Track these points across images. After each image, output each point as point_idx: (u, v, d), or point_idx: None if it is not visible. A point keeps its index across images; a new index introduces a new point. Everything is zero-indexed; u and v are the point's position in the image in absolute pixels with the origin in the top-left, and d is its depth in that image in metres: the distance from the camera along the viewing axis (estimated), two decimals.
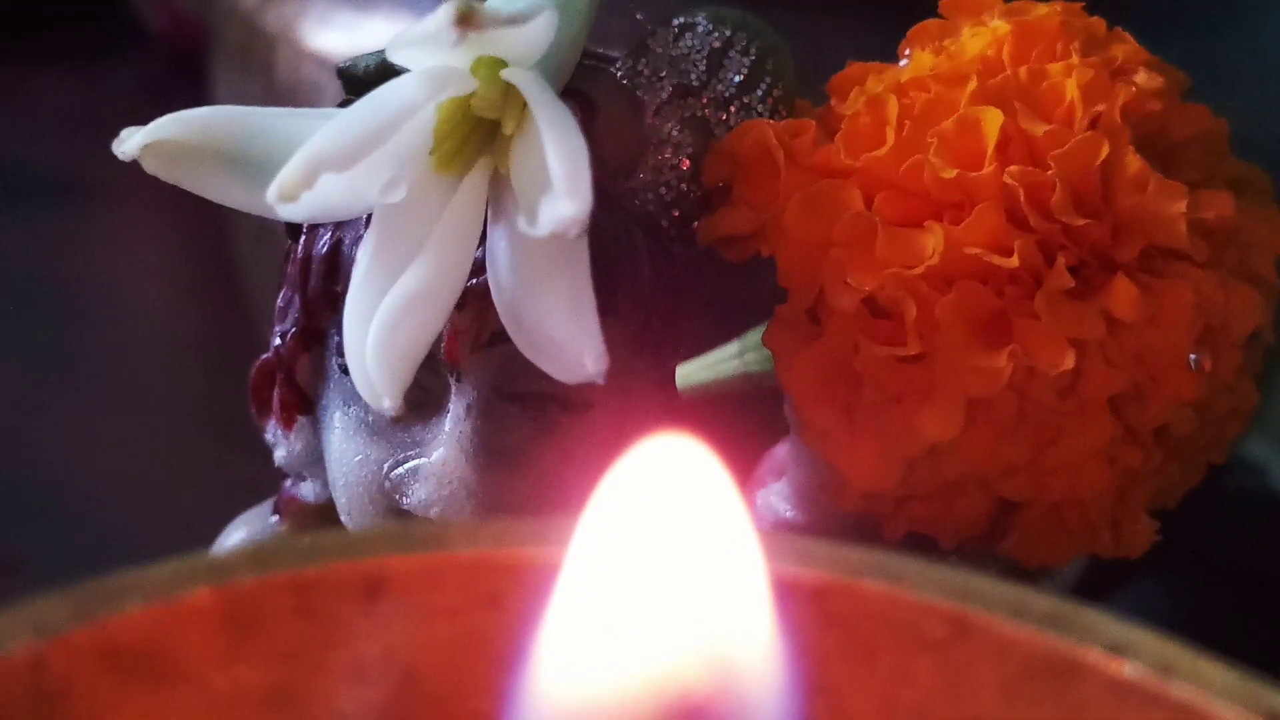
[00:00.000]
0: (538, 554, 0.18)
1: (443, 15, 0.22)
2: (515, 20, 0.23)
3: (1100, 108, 0.27)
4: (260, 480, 0.31)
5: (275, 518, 0.30)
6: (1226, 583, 0.47)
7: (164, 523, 0.50)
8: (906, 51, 0.29)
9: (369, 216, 0.26)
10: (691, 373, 0.33)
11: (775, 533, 0.29)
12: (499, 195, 0.25)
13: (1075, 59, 0.27)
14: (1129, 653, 0.17)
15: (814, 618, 0.18)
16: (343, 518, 0.28)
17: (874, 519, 0.28)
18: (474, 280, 0.25)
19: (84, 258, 0.69)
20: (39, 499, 0.51)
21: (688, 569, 0.17)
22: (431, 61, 0.24)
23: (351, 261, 0.26)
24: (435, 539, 0.18)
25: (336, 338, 0.27)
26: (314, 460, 0.29)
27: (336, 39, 0.40)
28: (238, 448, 0.34)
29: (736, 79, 0.28)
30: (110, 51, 0.87)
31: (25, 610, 0.17)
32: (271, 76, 0.42)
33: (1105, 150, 0.26)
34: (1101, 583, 0.40)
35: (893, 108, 0.27)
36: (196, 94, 0.51)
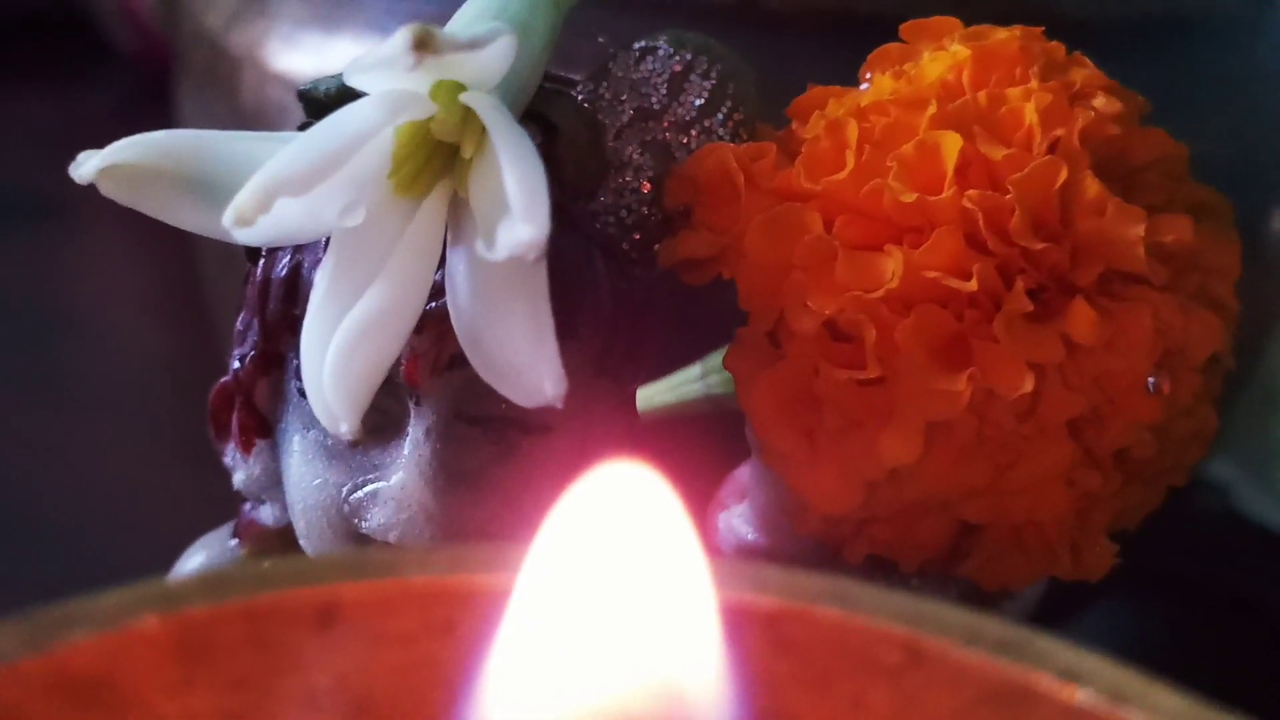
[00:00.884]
0: (491, 581, 0.18)
1: (400, 39, 0.22)
2: (473, 45, 0.23)
3: (1059, 132, 0.27)
4: (226, 501, 0.31)
5: (234, 541, 0.30)
6: (1192, 603, 0.47)
7: (129, 542, 0.49)
8: (867, 75, 0.29)
9: (328, 240, 0.26)
10: (654, 395, 0.33)
11: (731, 558, 0.29)
12: (458, 219, 0.25)
13: (1034, 83, 0.27)
14: (1081, 679, 0.17)
15: (768, 644, 0.18)
16: (301, 542, 0.28)
17: (835, 541, 0.28)
18: (433, 304, 0.25)
19: (52, 277, 0.68)
20: (6, 519, 0.51)
21: (638, 596, 0.16)
22: (390, 85, 0.24)
23: (311, 285, 0.26)
24: (388, 566, 0.18)
25: (296, 361, 0.27)
26: (273, 484, 0.29)
27: (302, 61, 0.40)
28: (203, 468, 0.34)
29: (697, 103, 0.28)
30: (81, 72, 0.86)
31: None
32: (237, 98, 0.41)
33: (1064, 174, 0.26)
34: (1065, 604, 0.40)
35: (853, 131, 0.27)
36: (168, 115, 0.51)
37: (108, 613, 0.17)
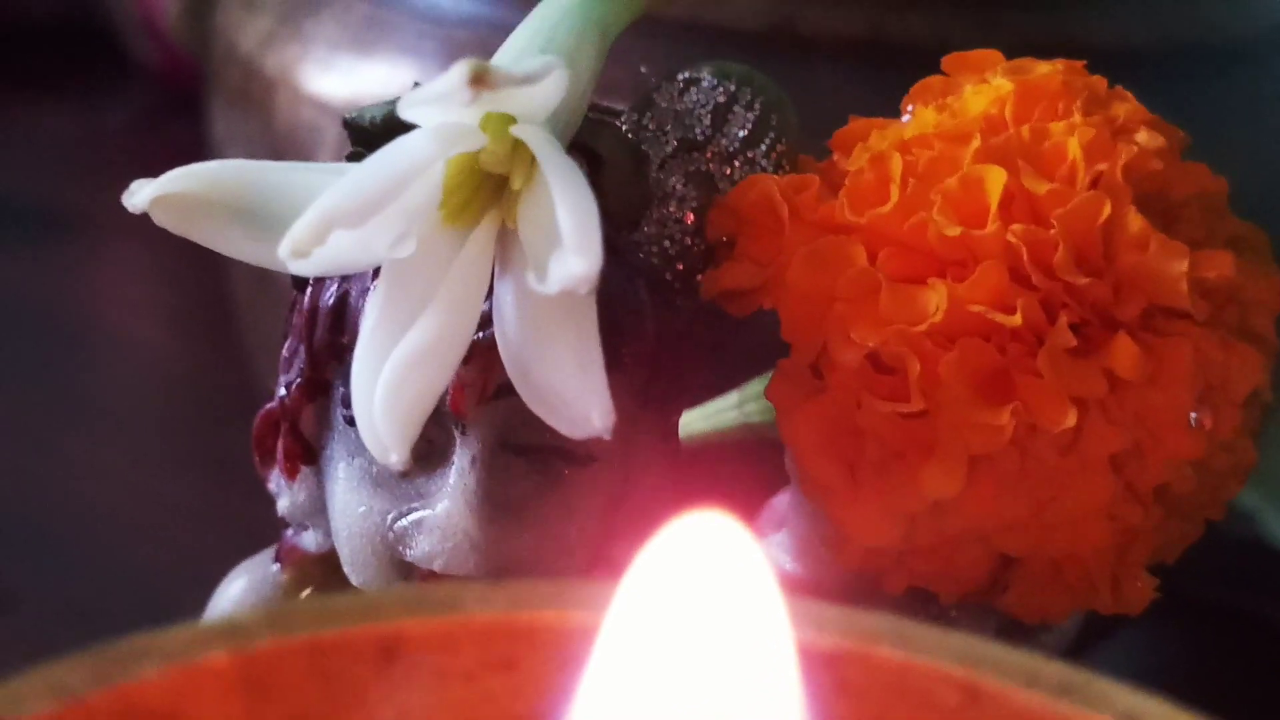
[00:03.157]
0: (553, 617, 0.18)
1: (456, 75, 0.23)
2: (528, 79, 0.23)
3: (1102, 167, 0.27)
4: (253, 518, 0.31)
5: (276, 566, 0.30)
6: (1218, 628, 0.48)
7: (153, 558, 0.50)
8: (909, 108, 0.30)
9: (378, 269, 0.26)
10: (690, 422, 0.33)
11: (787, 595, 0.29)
12: (506, 249, 0.25)
13: (1077, 118, 0.28)
14: None
15: (827, 685, 0.18)
16: (345, 569, 0.28)
17: (874, 572, 0.28)
18: (481, 334, 0.26)
19: (79, 293, 0.69)
20: (32, 535, 0.51)
21: (718, 643, 0.17)
22: (442, 118, 0.25)
23: (358, 313, 0.26)
24: (450, 601, 0.19)
25: (342, 389, 0.27)
26: (317, 510, 0.29)
27: (336, 83, 0.40)
28: (227, 485, 0.34)
29: (741, 134, 0.29)
30: (102, 86, 0.87)
31: (43, 673, 0.17)
32: (270, 120, 0.42)
33: (1107, 209, 0.26)
34: (1097, 629, 0.40)
35: (896, 165, 0.27)
36: (191, 131, 0.51)
37: (174, 647, 0.18)
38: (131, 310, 0.69)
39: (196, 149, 0.43)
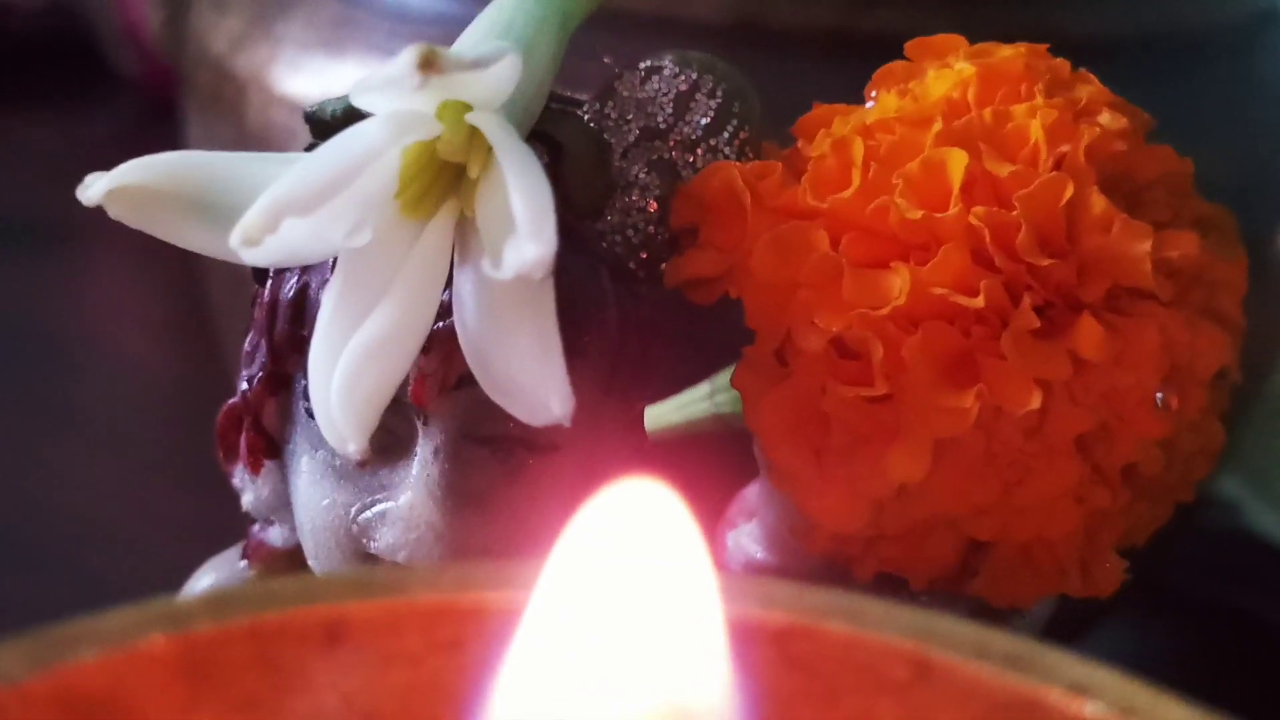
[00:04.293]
0: (498, 599, 0.18)
1: (405, 59, 0.22)
2: (478, 64, 0.23)
3: (1065, 149, 0.27)
4: (232, 523, 0.31)
5: (243, 562, 0.30)
6: (1202, 620, 0.47)
7: (135, 565, 0.50)
8: (872, 93, 0.29)
9: (335, 260, 0.26)
10: (662, 414, 0.33)
11: (740, 574, 0.29)
12: (465, 238, 0.25)
13: (1040, 100, 0.27)
14: (1091, 693, 0.17)
15: (776, 660, 0.18)
16: (310, 562, 0.28)
17: (844, 559, 0.28)
18: (440, 323, 0.25)
19: (63, 304, 0.68)
20: (17, 546, 0.51)
21: (647, 614, 0.16)
22: (396, 105, 0.24)
23: (318, 305, 0.26)
24: (395, 584, 0.18)
25: (303, 382, 0.27)
26: (282, 504, 0.29)
27: (307, 84, 0.40)
28: (211, 490, 0.34)
29: (703, 122, 0.28)
30: (85, 96, 0.87)
31: None
32: (243, 121, 0.42)
33: (1070, 191, 0.26)
34: (1075, 621, 0.40)
35: (858, 149, 0.27)
36: (172, 139, 0.51)
37: (113, 632, 0.17)
38: (116, 321, 0.69)
39: None
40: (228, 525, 0.31)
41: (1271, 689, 0.45)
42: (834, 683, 0.18)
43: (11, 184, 0.76)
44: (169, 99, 0.56)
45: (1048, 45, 0.29)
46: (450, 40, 0.28)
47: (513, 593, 0.18)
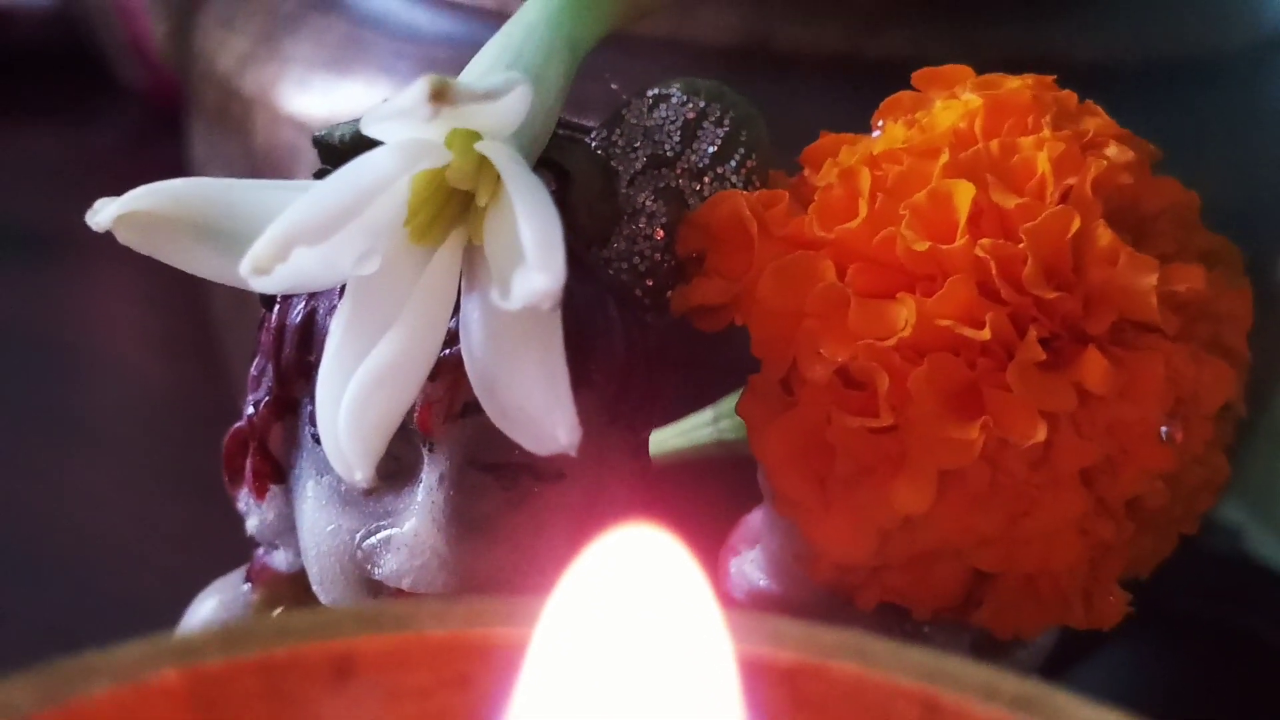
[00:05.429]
0: (508, 634, 0.18)
1: (417, 90, 0.23)
2: (489, 95, 0.23)
3: (1071, 181, 0.27)
4: (234, 540, 0.31)
5: (247, 586, 0.30)
6: (1203, 644, 0.47)
7: (137, 575, 0.50)
8: (879, 123, 0.30)
9: (343, 286, 0.26)
10: (665, 439, 0.33)
11: (746, 610, 0.29)
12: (473, 266, 0.25)
13: (1047, 132, 0.27)
14: None
15: (785, 699, 0.18)
16: (315, 587, 0.28)
17: (848, 588, 0.28)
18: (447, 350, 0.25)
19: (63, 314, 0.69)
20: (16, 556, 0.51)
21: (655, 654, 0.16)
22: (406, 134, 0.25)
23: (326, 331, 0.26)
24: (405, 619, 0.18)
25: (310, 407, 0.27)
26: (286, 529, 0.29)
27: (314, 103, 0.40)
28: (212, 507, 0.34)
29: (710, 150, 0.28)
30: (90, 107, 0.87)
31: None
32: (249, 139, 0.42)
33: (1076, 223, 0.26)
34: (1076, 646, 0.40)
35: (865, 180, 0.27)
36: (176, 150, 0.51)
37: (124, 665, 0.17)
38: (117, 332, 0.69)
39: (183, 170, 0.43)
40: (228, 536, 0.31)
41: (1272, 713, 0.45)
42: None
43: (15, 194, 0.76)
44: (173, 110, 0.56)
45: (1055, 76, 0.29)
46: (457, 60, 0.28)
47: (522, 629, 0.18)
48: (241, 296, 0.28)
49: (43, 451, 0.57)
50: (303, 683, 0.18)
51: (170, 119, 0.62)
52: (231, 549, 0.31)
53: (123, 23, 0.83)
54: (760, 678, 0.18)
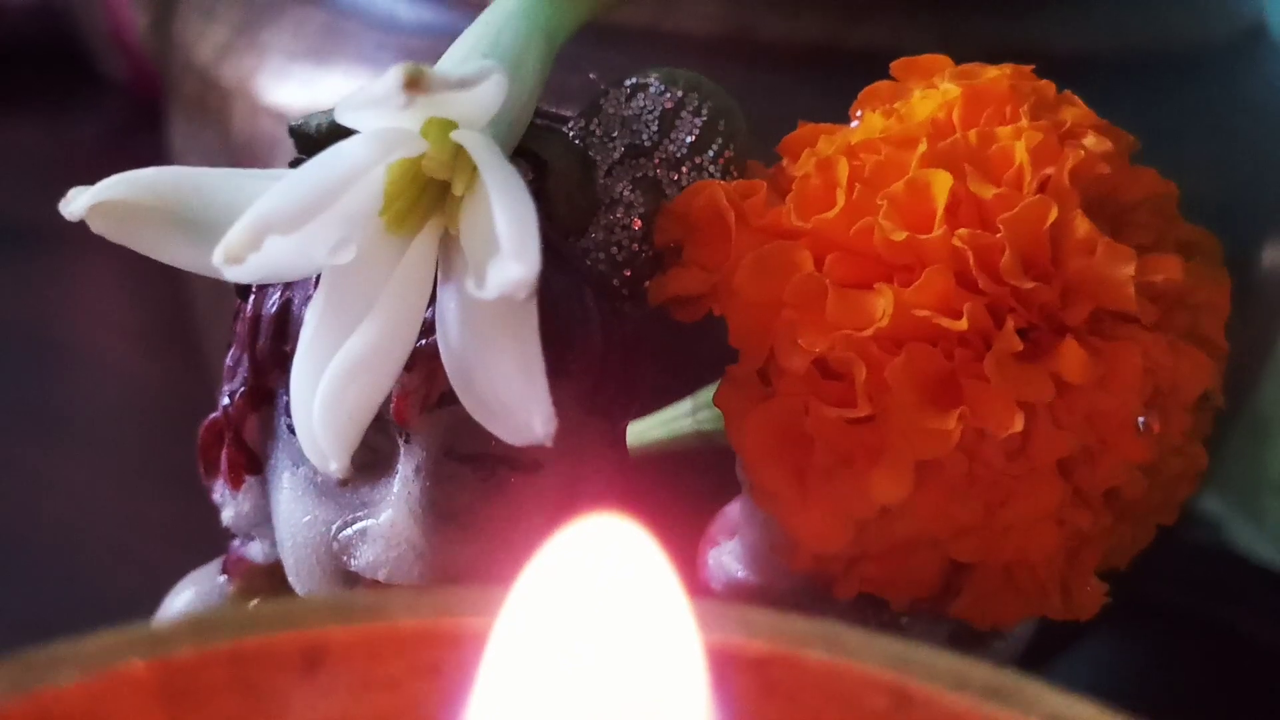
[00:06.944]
0: (479, 624, 0.18)
1: (391, 78, 0.22)
2: (464, 83, 0.23)
3: (1049, 171, 0.27)
4: (213, 531, 0.31)
5: (223, 577, 0.29)
6: (1182, 635, 0.47)
7: (118, 570, 0.49)
8: (858, 113, 0.29)
9: (319, 276, 0.26)
10: (644, 430, 0.33)
11: (722, 595, 0.29)
12: (449, 256, 0.25)
13: (1025, 122, 0.27)
14: None
15: (756, 689, 0.18)
16: (290, 578, 0.28)
17: (826, 579, 0.28)
18: (423, 341, 0.25)
19: (43, 307, 0.68)
20: None
21: (626, 643, 0.16)
22: (381, 123, 0.24)
23: (301, 321, 0.26)
24: (375, 609, 0.18)
25: (285, 397, 0.27)
26: (262, 520, 0.29)
27: (293, 94, 0.40)
28: (194, 500, 0.34)
29: (688, 140, 0.28)
30: (72, 100, 0.87)
31: None
32: (228, 130, 0.41)
33: (1054, 213, 0.26)
34: (1058, 637, 0.40)
35: (843, 170, 0.27)
36: (158, 142, 0.51)
37: (93, 656, 0.17)
38: (99, 325, 0.68)
39: (165, 163, 0.43)
40: (209, 531, 0.31)
41: (1250, 703, 0.45)
42: (814, 711, 0.18)
43: None
44: (156, 102, 0.56)
45: (1033, 66, 0.29)
46: (437, 51, 0.28)
47: (493, 618, 0.18)
48: (222, 289, 0.28)
49: (23, 445, 0.57)
50: (273, 673, 0.18)
51: (153, 111, 0.62)
52: (214, 542, 0.31)
53: (105, 14, 0.83)
54: (731, 666, 0.18)
